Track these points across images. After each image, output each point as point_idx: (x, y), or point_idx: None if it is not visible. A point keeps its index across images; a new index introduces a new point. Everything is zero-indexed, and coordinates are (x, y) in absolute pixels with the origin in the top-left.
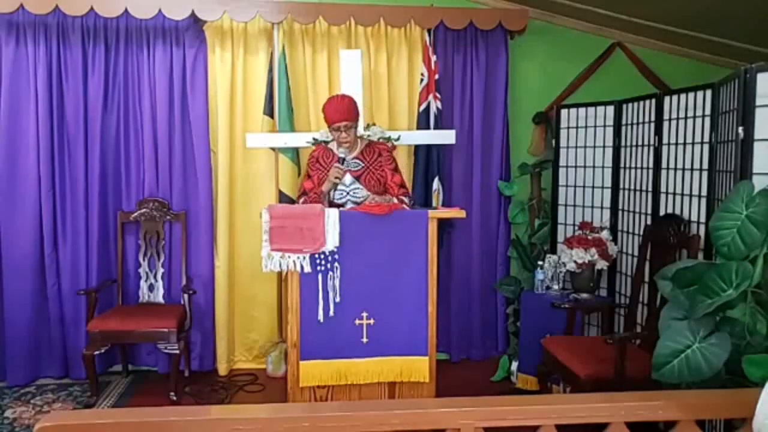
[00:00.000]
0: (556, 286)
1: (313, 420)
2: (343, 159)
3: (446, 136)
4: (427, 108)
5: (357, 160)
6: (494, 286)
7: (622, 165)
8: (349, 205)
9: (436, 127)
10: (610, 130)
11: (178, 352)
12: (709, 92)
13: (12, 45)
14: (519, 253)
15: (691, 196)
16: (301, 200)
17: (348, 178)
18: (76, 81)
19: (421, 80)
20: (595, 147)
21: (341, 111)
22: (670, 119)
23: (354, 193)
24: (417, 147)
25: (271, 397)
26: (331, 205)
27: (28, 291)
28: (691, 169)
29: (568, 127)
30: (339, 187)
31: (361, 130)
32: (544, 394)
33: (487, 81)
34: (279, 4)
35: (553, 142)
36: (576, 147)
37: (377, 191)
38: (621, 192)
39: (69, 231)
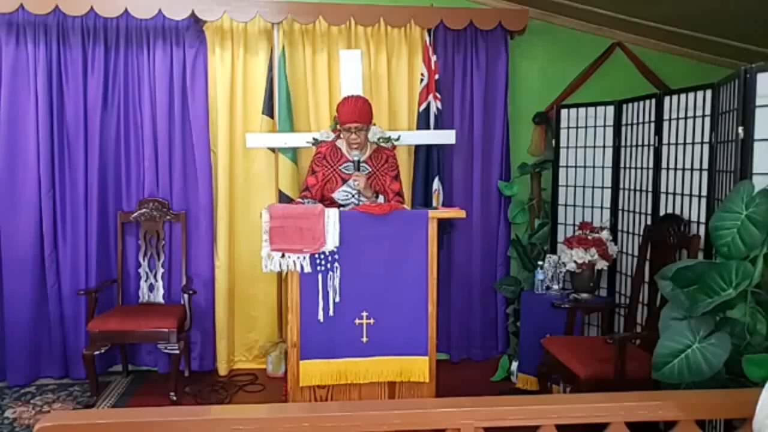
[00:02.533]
0: (556, 286)
1: (313, 420)
2: (359, 162)
3: (446, 136)
4: (427, 108)
5: (365, 165)
6: (494, 286)
7: (622, 165)
8: (351, 207)
9: (436, 127)
10: (610, 130)
11: (178, 352)
12: (709, 92)
13: (12, 45)
14: (519, 253)
15: (691, 196)
16: (303, 194)
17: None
18: (76, 81)
19: (421, 80)
20: (595, 147)
21: (354, 112)
22: (670, 119)
23: (360, 197)
24: (417, 147)
25: (271, 397)
26: (332, 204)
27: (28, 291)
28: (691, 169)
29: (568, 127)
30: (345, 188)
31: (371, 136)
32: (544, 394)
33: (487, 81)
34: (279, 4)
35: (553, 142)
36: (576, 147)
37: None
38: (621, 192)
39: (69, 231)
